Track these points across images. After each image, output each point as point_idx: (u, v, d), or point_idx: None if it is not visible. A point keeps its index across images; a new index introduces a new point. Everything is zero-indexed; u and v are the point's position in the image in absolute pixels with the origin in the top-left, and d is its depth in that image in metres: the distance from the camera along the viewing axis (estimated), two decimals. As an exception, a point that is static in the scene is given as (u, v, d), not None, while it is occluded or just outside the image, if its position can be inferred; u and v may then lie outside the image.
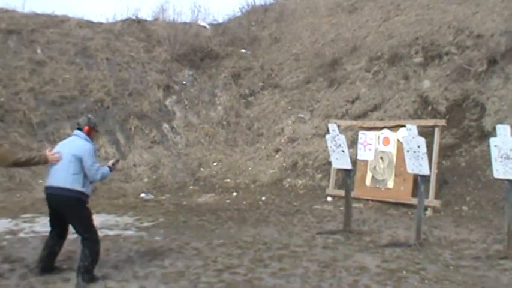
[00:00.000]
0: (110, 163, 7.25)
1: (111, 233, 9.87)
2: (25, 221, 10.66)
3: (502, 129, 8.27)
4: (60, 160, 6.66)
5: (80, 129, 6.91)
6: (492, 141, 8.39)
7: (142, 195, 14.06)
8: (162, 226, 10.57)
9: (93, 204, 12.56)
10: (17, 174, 13.13)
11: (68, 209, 6.70)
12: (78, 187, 6.60)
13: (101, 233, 9.69)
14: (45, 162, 6.77)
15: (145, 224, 10.74)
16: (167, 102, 18.02)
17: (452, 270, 7.56)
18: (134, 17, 21.44)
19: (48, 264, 7.00)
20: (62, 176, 6.60)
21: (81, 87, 16.79)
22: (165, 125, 17.30)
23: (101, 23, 20.63)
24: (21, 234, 9.57)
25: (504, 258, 7.94)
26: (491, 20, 14.62)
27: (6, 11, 18.77)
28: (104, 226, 10.43)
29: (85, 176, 6.67)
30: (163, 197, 14.01)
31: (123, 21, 21.04)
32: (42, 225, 9.93)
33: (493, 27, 14.30)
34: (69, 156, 6.62)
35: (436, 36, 15.40)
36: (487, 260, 8.01)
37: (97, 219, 10.93)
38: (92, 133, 6.95)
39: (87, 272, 6.68)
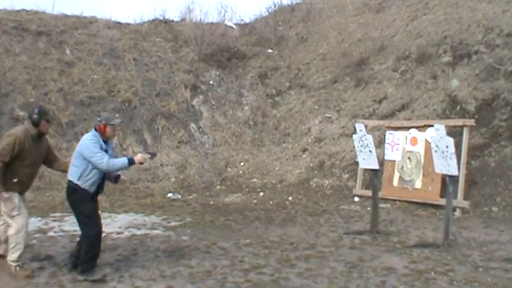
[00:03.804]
0: (137, 156, 7.22)
1: (138, 232, 9.95)
2: (54, 220, 10.81)
3: (532, 129, 8.16)
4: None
5: (95, 128, 7.06)
6: (522, 141, 8.29)
7: (170, 194, 14.13)
8: (189, 226, 10.62)
9: (120, 204, 12.85)
10: (47, 174, 13.27)
11: (67, 199, 7.09)
12: (73, 179, 6.87)
13: (128, 232, 9.86)
14: None
15: (173, 224, 10.80)
16: (194, 102, 18.09)
17: (482, 271, 7.48)
18: (161, 18, 21.53)
19: (78, 260, 7.07)
20: (69, 169, 7.03)
21: (109, 87, 16.93)
22: (192, 125, 17.36)
23: (129, 24, 20.77)
24: (51, 233, 9.71)
25: (535, 260, 7.84)
26: (521, 18, 14.44)
27: (36, 12, 19.01)
28: (132, 225, 10.53)
29: (85, 170, 6.82)
30: (191, 197, 14.07)
31: (151, 21, 21.16)
32: (71, 224, 10.04)
33: (523, 25, 14.12)
34: (75, 152, 6.99)
35: (465, 35, 15.24)
36: (517, 261, 7.91)
37: (125, 219, 11.15)
38: (106, 130, 7.00)
39: (81, 265, 6.94)
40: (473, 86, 13.87)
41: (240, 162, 16.40)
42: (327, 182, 14.62)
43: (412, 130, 12.75)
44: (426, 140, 12.16)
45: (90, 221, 6.93)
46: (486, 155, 12.63)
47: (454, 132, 11.37)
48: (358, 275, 7.28)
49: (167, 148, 16.07)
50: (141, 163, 7.32)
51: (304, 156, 16.00)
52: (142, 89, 17.35)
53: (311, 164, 15.43)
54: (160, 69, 18.51)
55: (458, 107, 13.85)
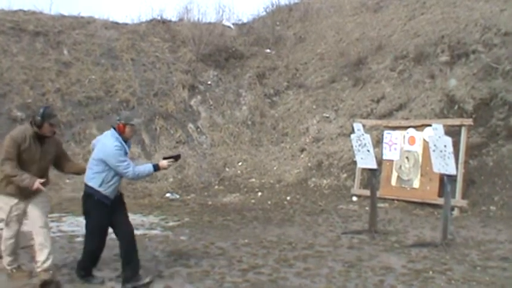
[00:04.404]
0: (162, 162, 6.85)
1: (136, 232, 9.87)
2: (52, 221, 10.74)
3: (530, 128, 8.17)
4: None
5: (114, 128, 6.67)
6: (520, 140, 8.29)
7: (168, 194, 14.12)
8: (187, 226, 10.61)
9: (119, 204, 12.75)
10: (44, 174, 13.28)
11: (83, 203, 6.69)
12: (94, 185, 6.48)
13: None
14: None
15: (171, 224, 10.79)
16: (192, 103, 18.09)
17: (480, 270, 7.48)
18: (159, 18, 21.57)
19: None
20: (87, 173, 6.63)
21: (107, 87, 16.94)
22: (190, 125, 17.36)
23: (126, 24, 20.80)
24: (49, 234, 9.67)
25: (533, 259, 7.85)
26: (519, 18, 14.45)
27: (34, 13, 19.02)
28: (130, 226, 10.51)
29: (107, 176, 6.48)
30: (189, 197, 14.07)
31: (148, 22, 21.19)
32: (69, 224, 10.07)
33: (521, 24, 14.13)
34: (95, 156, 6.57)
35: (463, 34, 15.24)
36: (515, 260, 7.92)
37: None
38: (125, 129, 6.61)
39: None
40: (471, 86, 13.88)
41: (238, 162, 16.40)
42: (325, 181, 14.62)
43: (410, 130, 12.75)
44: (424, 140, 12.16)
45: (93, 232, 6.69)
46: (484, 154, 12.64)
47: (452, 132, 11.37)
48: (357, 275, 7.28)
49: (165, 148, 16.06)
50: (165, 168, 7.02)
51: (302, 156, 16.00)
52: (140, 89, 17.36)
53: (309, 164, 15.43)
54: (158, 70, 18.51)
55: (456, 107, 13.85)
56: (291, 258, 8.09)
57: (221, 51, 20.23)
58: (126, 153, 6.59)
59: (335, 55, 18.89)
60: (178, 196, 14.11)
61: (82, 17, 19.92)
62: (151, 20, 21.34)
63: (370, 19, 19.95)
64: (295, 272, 7.37)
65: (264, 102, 18.78)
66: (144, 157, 15.40)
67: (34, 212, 6.60)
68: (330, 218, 11.48)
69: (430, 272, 7.36)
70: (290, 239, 9.44)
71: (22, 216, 6.70)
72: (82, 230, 9.70)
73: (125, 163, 6.47)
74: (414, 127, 12.75)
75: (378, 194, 11.60)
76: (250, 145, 17.28)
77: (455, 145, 10.12)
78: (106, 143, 6.54)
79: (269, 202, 13.36)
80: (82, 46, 18.05)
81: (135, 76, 17.73)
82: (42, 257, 6.53)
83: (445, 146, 8.93)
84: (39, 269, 6.55)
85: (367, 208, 11.44)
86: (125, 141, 6.65)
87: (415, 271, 7.41)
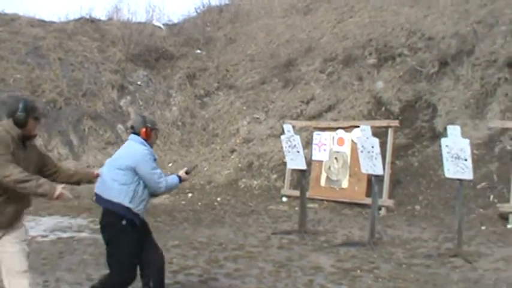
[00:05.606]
0: (181, 171, 5.80)
1: (64, 235, 9.73)
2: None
3: (452, 129, 8.44)
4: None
5: (135, 133, 5.60)
6: (443, 141, 8.55)
7: (97, 196, 13.84)
8: (116, 228, 10.44)
9: (46, 206, 12.42)
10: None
11: (104, 230, 5.67)
12: (124, 201, 5.32)
13: (54, 236, 9.61)
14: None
15: (100, 226, 10.58)
16: (121, 103, 17.83)
17: (405, 268, 7.68)
18: (88, 17, 21.16)
19: None
20: (107, 186, 5.45)
21: (33, 87, 16.47)
22: (120, 126, 17.10)
23: (53, 22, 20.33)
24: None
25: (454, 256, 8.09)
26: (441, 23, 14.89)
27: (-46, 8, 18.36)
28: (57, 228, 10.29)
29: (137, 187, 5.36)
30: (118, 199, 13.85)
31: (76, 20, 20.75)
32: None
33: (443, 29, 14.57)
34: (121, 165, 5.39)
35: (389, 38, 15.60)
36: (438, 258, 8.16)
37: (50, 221, 10.85)
38: (151, 135, 5.60)
39: None
40: (397, 88, 14.24)
41: (168, 163, 16.27)
42: (255, 182, 14.68)
43: (339, 131, 12.94)
44: (352, 141, 12.35)
45: (120, 266, 5.44)
46: (410, 155, 13.01)
47: (379, 133, 11.63)
48: (287, 275, 7.34)
49: (94, 149, 15.78)
50: (186, 180, 5.89)
51: (232, 156, 16.02)
52: (67, 89, 16.96)
53: (239, 165, 15.46)
54: (87, 69, 18.16)
55: (383, 108, 14.20)
56: (221, 259, 8.10)
57: (151, 52, 20.03)
58: (155, 160, 5.57)
59: (265, 56, 19.00)
60: (107, 198, 13.85)
61: (6, 14, 19.36)
62: (79, 19, 20.92)
63: (300, 21, 20.16)
64: (225, 273, 7.38)
65: (194, 103, 18.71)
66: (73, 158, 15.08)
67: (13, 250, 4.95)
68: (260, 218, 11.54)
69: (358, 271, 7.51)
70: (220, 240, 9.44)
71: None
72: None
73: (158, 171, 5.46)
74: (343, 128, 12.95)
75: (308, 194, 11.69)
76: (180, 146, 17.18)
77: (382, 146, 10.34)
78: (135, 148, 5.51)
79: (199, 203, 13.32)
80: (6, 44, 17.51)
81: (62, 76, 17.31)
82: None
83: (372, 147, 9.13)
84: None
85: (296, 208, 11.54)
86: None
87: (344, 270, 7.54)
